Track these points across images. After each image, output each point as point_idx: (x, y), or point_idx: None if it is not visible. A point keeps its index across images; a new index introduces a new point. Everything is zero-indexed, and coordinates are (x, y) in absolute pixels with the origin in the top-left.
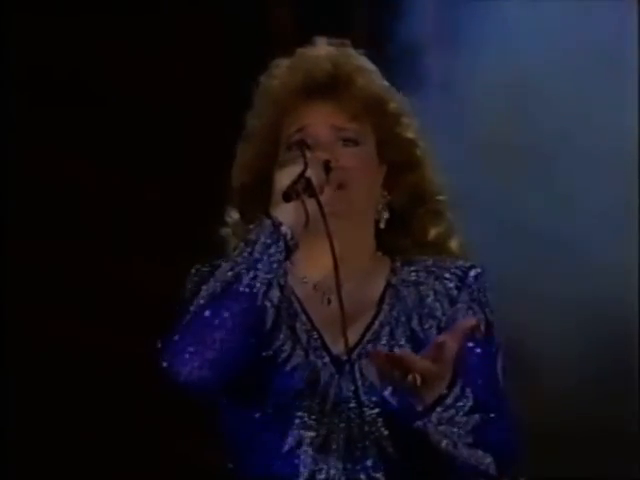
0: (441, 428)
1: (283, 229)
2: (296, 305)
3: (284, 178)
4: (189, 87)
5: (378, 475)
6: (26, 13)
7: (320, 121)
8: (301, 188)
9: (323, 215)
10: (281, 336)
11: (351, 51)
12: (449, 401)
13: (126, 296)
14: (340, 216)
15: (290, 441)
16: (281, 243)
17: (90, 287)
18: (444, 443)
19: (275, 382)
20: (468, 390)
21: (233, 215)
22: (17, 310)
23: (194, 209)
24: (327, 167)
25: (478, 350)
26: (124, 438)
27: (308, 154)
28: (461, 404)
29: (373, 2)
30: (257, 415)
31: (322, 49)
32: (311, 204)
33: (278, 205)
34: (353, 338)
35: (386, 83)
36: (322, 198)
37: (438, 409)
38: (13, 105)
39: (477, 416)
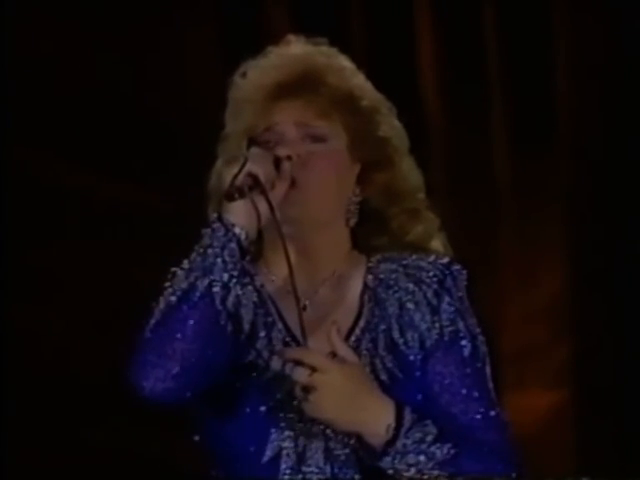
0: (406, 458)
1: (236, 230)
2: (273, 313)
3: (227, 176)
4: (188, 87)
5: None
6: (24, 13)
7: (287, 119)
8: (247, 186)
9: (273, 212)
10: (257, 346)
11: (325, 49)
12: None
13: (127, 297)
14: (297, 220)
15: (269, 452)
16: (234, 245)
17: (90, 287)
18: (410, 472)
19: (252, 393)
20: (428, 421)
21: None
22: (15, 310)
23: (196, 211)
24: (278, 162)
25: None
26: (112, 443)
27: (254, 150)
28: (419, 435)
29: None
30: (235, 426)
31: (294, 47)
32: (263, 202)
33: (229, 206)
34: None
35: (361, 80)
36: (275, 195)
37: (397, 443)
38: (12, 106)
39: (448, 446)
